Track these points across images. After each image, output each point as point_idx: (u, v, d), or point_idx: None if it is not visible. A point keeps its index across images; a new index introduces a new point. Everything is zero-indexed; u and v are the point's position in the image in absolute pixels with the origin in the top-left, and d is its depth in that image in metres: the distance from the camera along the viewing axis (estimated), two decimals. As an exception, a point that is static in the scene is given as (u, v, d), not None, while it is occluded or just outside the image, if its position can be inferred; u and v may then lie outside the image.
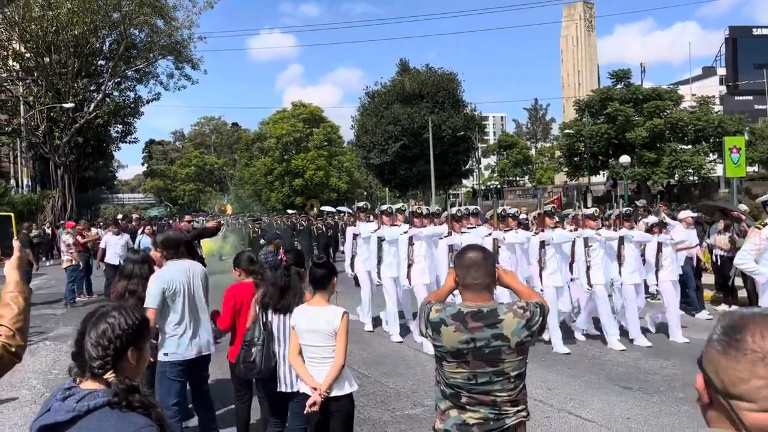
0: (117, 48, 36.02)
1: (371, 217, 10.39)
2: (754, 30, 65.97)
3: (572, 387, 6.72)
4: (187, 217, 8.11)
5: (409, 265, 8.92)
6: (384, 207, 9.46)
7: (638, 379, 6.99)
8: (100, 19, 33.63)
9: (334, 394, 3.81)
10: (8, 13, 31.88)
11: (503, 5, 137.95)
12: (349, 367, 4.01)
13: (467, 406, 2.76)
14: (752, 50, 63.94)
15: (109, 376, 1.84)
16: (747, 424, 1.15)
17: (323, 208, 32.38)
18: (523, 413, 2.81)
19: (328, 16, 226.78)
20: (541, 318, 2.79)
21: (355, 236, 10.22)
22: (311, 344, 3.88)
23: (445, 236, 9.16)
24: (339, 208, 32.19)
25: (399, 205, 9.94)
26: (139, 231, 17.81)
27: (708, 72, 73.09)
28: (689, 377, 6.78)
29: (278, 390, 4.30)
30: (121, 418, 1.75)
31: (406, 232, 9.04)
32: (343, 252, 18.31)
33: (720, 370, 1.19)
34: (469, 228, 9.50)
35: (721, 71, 69.18)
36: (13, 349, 2.26)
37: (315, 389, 3.78)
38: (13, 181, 38.62)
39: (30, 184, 38.20)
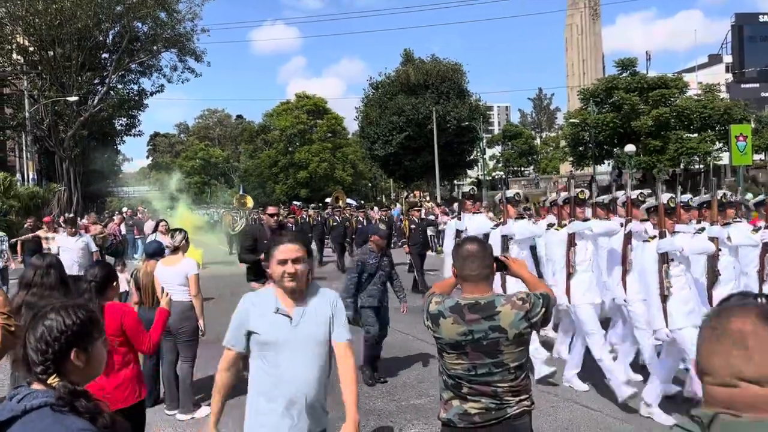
0: (120, 41, 35.99)
1: (480, 207, 8.14)
2: (760, 17, 65.46)
3: (579, 377, 6.70)
4: (271, 209, 6.62)
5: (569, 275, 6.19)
6: (510, 193, 7.18)
7: (646, 370, 6.97)
8: (104, 11, 33.58)
9: None
10: (12, 7, 31.86)
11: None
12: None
13: (468, 396, 2.79)
14: (759, 37, 63.48)
15: (53, 380, 1.74)
16: (708, 396, 1.30)
17: (328, 200, 32.41)
18: (526, 402, 2.81)
19: (330, 8, 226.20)
20: (543, 309, 2.77)
21: (459, 233, 7.39)
22: None
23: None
24: (348, 200, 32.28)
25: (512, 192, 7.41)
26: (147, 226, 17.38)
27: (714, 59, 72.65)
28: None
29: None
30: (57, 421, 1.67)
31: (558, 228, 6.40)
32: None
33: (699, 348, 1.34)
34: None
35: (727, 59, 68.74)
36: (12, 329, 2.30)
37: None
38: (18, 175, 38.71)
39: (36, 177, 38.26)
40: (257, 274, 6.78)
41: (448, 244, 7.60)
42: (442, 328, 2.79)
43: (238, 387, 4.97)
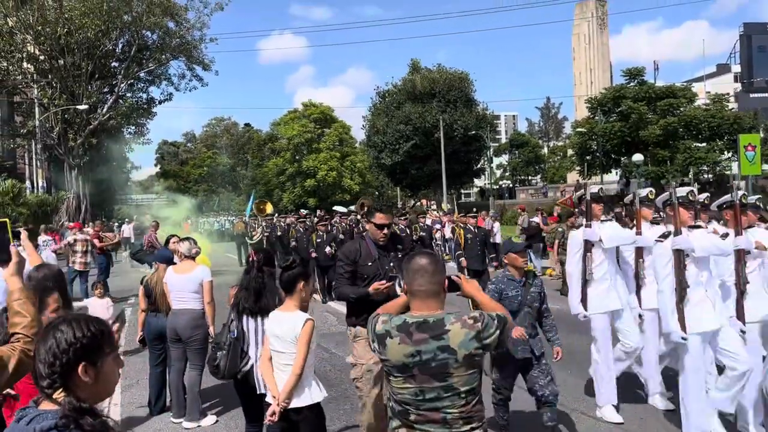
0: (129, 50, 36.29)
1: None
2: (768, 26, 65.28)
3: (584, 387, 6.67)
4: (381, 217, 4.78)
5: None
6: (594, 189, 6.02)
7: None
8: (112, 20, 33.87)
9: (293, 405, 3.66)
10: (23, 16, 32.17)
11: (515, 4, 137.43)
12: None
13: (416, 425, 2.58)
14: (767, 47, 63.31)
15: (59, 395, 1.67)
16: None
17: (335, 208, 32.21)
18: (479, 431, 2.61)
19: (338, 18, 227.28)
20: (497, 331, 2.57)
21: (589, 245, 5.79)
22: (276, 350, 3.77)
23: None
24: (350, 208, 32.17)
25: (596, 187, 6.16)
26: (148, 234, 16.92)
27: (722, 69, 72.48)
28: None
29: (258, 393, 4.21)
30: None
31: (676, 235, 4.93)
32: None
33: None
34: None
35: (736, 68, 68.56)
36: (32, 353, 2.27)
37: (275, 398, 3.68)
38: (28, 182, 38.99)
39: (45, 185, 38.53)
40: (363, 311, 4.44)
41: (574, 262, 5.91)
42: (389, 348, 2.57)
43: (237, 398, 4.96)
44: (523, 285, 4.96)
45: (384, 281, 4.49)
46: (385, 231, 4.80)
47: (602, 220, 5.89)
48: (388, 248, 4.84)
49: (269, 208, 23.43)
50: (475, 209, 17.23)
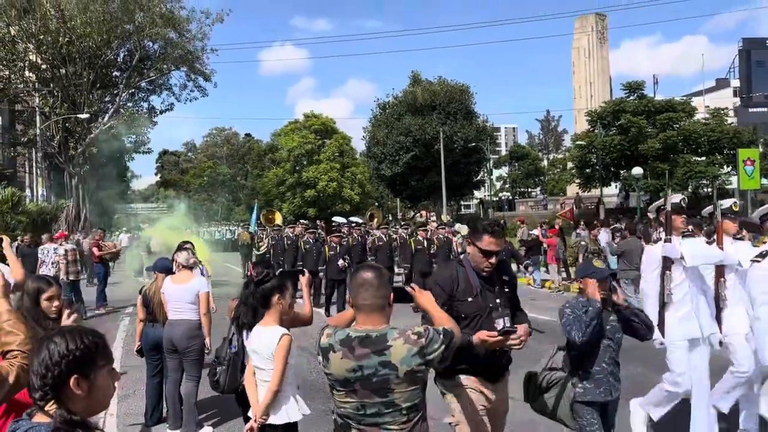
0: (131, 59, 36.41)
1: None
2: (767, 42, 65.58)
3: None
4: (488, 241, 4.09)
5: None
6: (675, 199, 5.26)
7: (644, 393, 6.88)
8: (114, 30, 34.02)
9: (270, 421, 3.62)
10: (25, 25, 32.31)
11: (515, 17, 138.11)
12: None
13: None
14: (766, 62, 63.57)
15: (50, 407, 1.65)
16: None
17: (335, 218, 32.08)
18: None
19: (339, 30, 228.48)
20: (443, 346, 2.53)
21: (668, 263, 5.04)
22: (256, 365, 3.74)
23: None
24: (351, 218, 32.10)
25: (678, 197, 5.32)
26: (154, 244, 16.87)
27: (721, 83, 72.74)
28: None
29: None
30: None
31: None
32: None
33: None
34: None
35: (735, 83, 68.82)
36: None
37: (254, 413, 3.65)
38: (28, 191, 39.00)
39: (45, 193, 38.54)
40: (459, 358, 3.23)
41: (651, 281, 5.18)
42: (332, 362, 2.55)
43: (233, 409, 4.93)
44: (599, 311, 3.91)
45: (494, 332, 3.51)
46: (493, 259, 3.69)
47: (683, 234, 5.12)
48: (493, 280, 3.78)
49: (278, 218, 22.05)
50: (461, 223, 17.25)
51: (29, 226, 25.15)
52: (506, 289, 3.85)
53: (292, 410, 3.70)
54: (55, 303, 3.44)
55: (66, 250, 13.27)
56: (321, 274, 13.53)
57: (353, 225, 17.37)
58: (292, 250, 15.43)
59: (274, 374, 3.58)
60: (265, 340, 3.65)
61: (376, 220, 23.41)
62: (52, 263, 13.90)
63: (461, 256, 4.05)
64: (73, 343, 1.69)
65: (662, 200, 5.16)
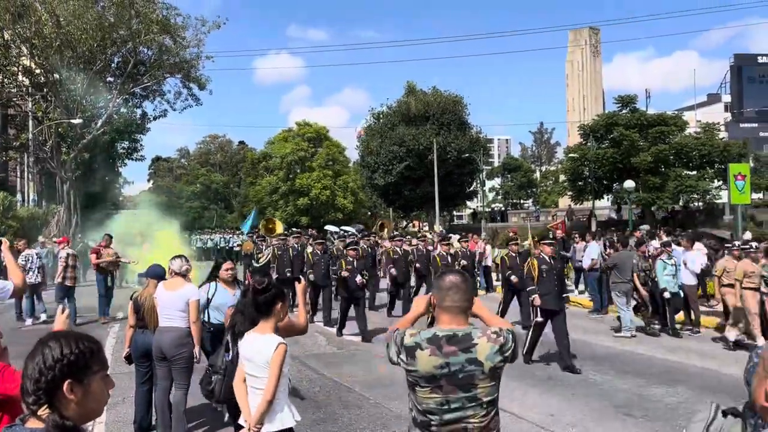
0: (125, 65, 36.38)
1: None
2: (759, 58, 66.30)
3: (575, 414, 6.65)
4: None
5: None
6: None
7: (641, 407, 6.92)
8: (109, 36, 33.98)
9: (265, 428, 3.62)
10: (19, 30, 32.25)
11: (510, 30, 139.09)
12: (349, 390, 3.97)
13: None
14: (757, 78, 64.26)
15: (43, 412, 1.63)
16: None
17: (327, 227, 31.94)
18: None
19: (334, 40, 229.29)
20: (513, 344, 2.77)
21: None
22: (249, 372, 3.74)
23: None
24: (343, 227, 32.01)
25: None
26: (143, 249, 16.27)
27: (713, 99, 73.39)
28: (692, 405, 6.71)
29: None
30: None
31: None
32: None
33: None
34: None
35: (726, 98, 69.45)
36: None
37: (246, 421, 3.65)
38: (19, 195, 38.79)
39: (36, 198, 38.35)
40: None
41: None
42: (419, 360, 2.73)
43: (222, 418, 4.91)
44: None
45: None
46: None
47: None
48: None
49: (279, 227, 20.50)
50: (455, 233, 16.82)
51: (20, 231, 25.02)
52: None
53: (286, 417, 3.70)
54: None
55: (68, 254, 13.00)
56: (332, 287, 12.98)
57: (363, 234, 16.74)
58: (299, 262, 14.61)
59: (269, 383, 3.58)
60: (261, 348, 3.64)
61: (386, 230, 22.27)
62: (38, 268, 13.68)
63: None
64: (67, 347, 1.67)
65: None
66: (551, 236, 12.51)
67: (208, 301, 6.32)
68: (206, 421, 6.51)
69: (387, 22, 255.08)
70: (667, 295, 11.42)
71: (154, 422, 6.23)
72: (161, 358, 5.91)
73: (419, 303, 3.03)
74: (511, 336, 2.78)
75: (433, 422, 2.71)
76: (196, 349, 5.89)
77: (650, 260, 12.13)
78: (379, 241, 17.15)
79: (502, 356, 2.72)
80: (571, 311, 11.73)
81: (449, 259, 14.32)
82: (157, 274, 6.33)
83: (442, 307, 2.81)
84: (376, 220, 32.25)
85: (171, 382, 5.96)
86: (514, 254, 13.20)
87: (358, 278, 11.62)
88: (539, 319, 9.05)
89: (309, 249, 14.57)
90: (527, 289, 9.55)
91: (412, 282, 15.57)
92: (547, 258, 9.50)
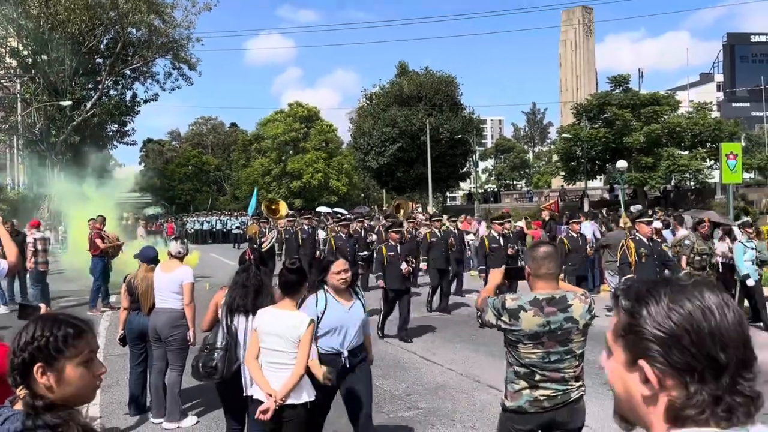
0: (114, 46, 35.94)
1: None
2: (752, 37, 66.21)
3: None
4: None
5: None
6: None
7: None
8: (97, 16, 33.54)
9: (290, 401, 3.69)
10: (6, 11, 31.77)
11: (502, 9, 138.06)
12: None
13: (540, 384, 3.21)
14: (750, 57, 64.21)
15: (21, 392, 1.61)
16: None
17: (319, 208, 31.74)
18: (583, 388, 3.35)
19: (325, 21, 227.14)
20: (594, 304, 3.30)
21: None
22: (272, 348, 3.74)
23: None
24: (336, 209, 31.87)
25: None
26: (138, 232, 15.50)
27: (705, 78, 73.36)
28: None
29: (244, 395, 4.13)
30: None
31: None
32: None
33: None
34: None
35: (719, 78, 69.44)
36: None
37: (270, 395, 3.66)
38: (9, 179, 38.50)
39: (26, 181, 38.07)
40: None
41: None
42: (523, 320, 3.17)
43: (218, 399, 4.91)
44: None
45: None
46: None
47: None
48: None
49: (283, 208, 18.90)
50: (444, 215, 15.62)
51: (10, 215, 24.85)
52: None
53: (310, 390, 3.82)
54: None
55: (35, 239, 12.23)
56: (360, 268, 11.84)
57: (356, 217, 15.61)
58: (309, 246, 13.57)
59: (300, 358, 3.68)
60: (291, 324, 3.72)
61: (403, 211, 20.12)
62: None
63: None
64: (40, 330, 1.63)
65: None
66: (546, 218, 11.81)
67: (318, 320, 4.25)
68: (201, 402, 6.53)
69: (378, 3, 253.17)
70: (750, 282, 9.84)
71: (148, 403, 6.25)
72: (157, 339, 5.92)
73: (496, 274, 3.54)
74: (591, 298, 3.33)
75: (536, 373, 3.19)
76: (191, 332, 5.89)
77: (710, 242, 10.39)
78: (407, 223, 15.26)
79: (590, 315, 3.24)
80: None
81: (501, 241, 11.79)
82: (148, 256, 6.32)
83: (538, 275, 3.25)
84: (393, 201, 30.75)
85: (166, 364, 5.97)
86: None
87: (404, 266, 9.53)
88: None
89: (322, 234, 13.61)
90: (623, 278, 8.13)
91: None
92: (645, 240, 8.18)
